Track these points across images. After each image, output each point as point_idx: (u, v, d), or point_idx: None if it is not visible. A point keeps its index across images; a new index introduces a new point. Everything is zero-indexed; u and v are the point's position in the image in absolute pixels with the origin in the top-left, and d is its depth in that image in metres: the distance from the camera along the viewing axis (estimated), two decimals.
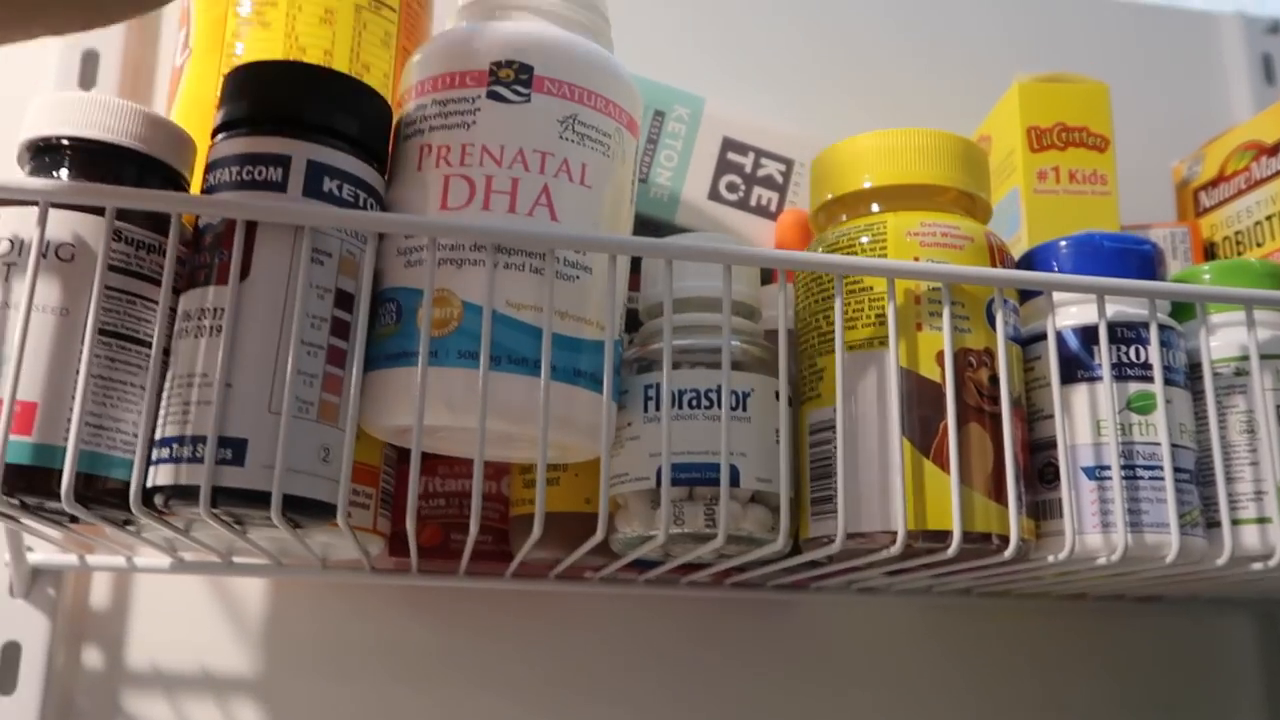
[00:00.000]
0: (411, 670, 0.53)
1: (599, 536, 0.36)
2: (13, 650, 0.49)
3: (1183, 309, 0.45)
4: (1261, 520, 0.42)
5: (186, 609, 0.52)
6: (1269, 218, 0.49)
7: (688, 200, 0.52)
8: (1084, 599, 0.57)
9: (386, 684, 0.53)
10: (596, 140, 0.37)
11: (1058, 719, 0.59)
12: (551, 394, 0.35)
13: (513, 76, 0.37)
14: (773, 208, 0.53)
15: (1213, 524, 0.41)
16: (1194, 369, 0.43)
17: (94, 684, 0.51)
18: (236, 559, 0.48)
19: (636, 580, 0.50)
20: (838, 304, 0.38)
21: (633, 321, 0.46)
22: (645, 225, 0.52)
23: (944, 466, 0.37)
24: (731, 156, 0.53)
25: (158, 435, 0.34)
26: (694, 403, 0.40)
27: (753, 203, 0.53)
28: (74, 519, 0.36)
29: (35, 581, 0.50)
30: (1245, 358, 0.43)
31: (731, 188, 0.53)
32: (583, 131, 0.37)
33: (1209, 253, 0.53)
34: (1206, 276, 0.46)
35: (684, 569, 0.48)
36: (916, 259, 0.39)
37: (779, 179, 0.53)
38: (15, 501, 0.33)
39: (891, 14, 0.71)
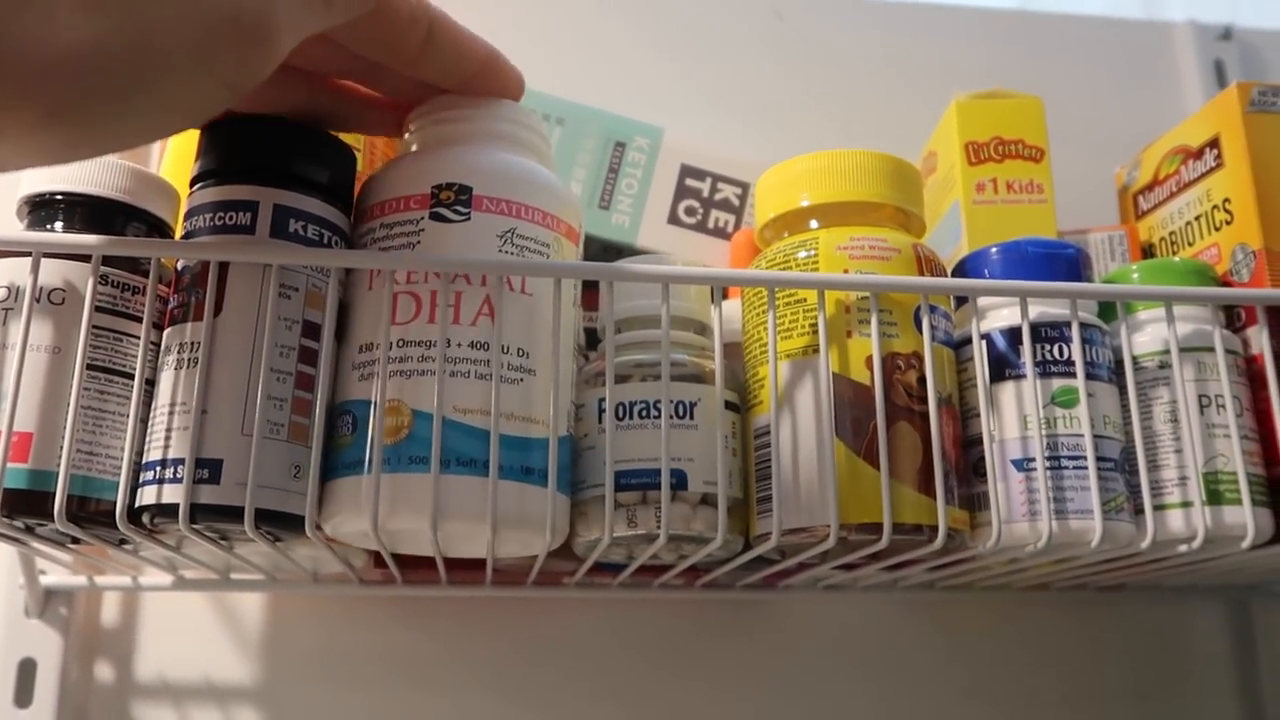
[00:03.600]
0: (406, 676, 0.57)
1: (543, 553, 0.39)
2: (29, 666, 0.53)
3: (1110, 307, 0.47)
4: (1185, 504, 0.44)
5: (191, 625, 0.56)
6: (1197, 218, 0.51)
7: (648, 224, 0.55)
8: (1047, 589, 0.59)
9: (382, 690, 0.56)
10: (535, 250, 0.40)
11: (1028, 709, 0.61)
12: (504, 492, 0.37)
13: (453, 198, 0.39)
14: (730, 229, 0.56)
15: (1140, 510, 0.43)
16: (1120, 364, 0.45)
17: (106, 697, 0.54)
18: (233, 575, 0.51)
19: (610, 584, 0.53)
20: (770, 316, 0.41)
21: (593, 339, 0.50)
22: (609, 250, 0.55)
23: (875, 463, 0.40)
24: (689, 182, 0.56)
25: (144, 460, 0.37)
26: (643, 413, 0.43)
27: (710, 225, 0.56)
28: (74, 540, 0.40)
29: (48, 602, 0.53)
30: (1168, 351, 0.45)
31: (690, 211, 0.56)
32: (521, 244, 0.39)
33: (1147, 254, 0.55)
34: (1135, 275, 0.48)
35: (653, 572, 0.51)
36: (847, 270, 0.42)
37: (735, 202, 0.56)
38: (18, 524, 0.37)
39: (848, 35, 0.74)
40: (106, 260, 0.39)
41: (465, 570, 0.51)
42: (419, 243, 0.39)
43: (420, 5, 0.37)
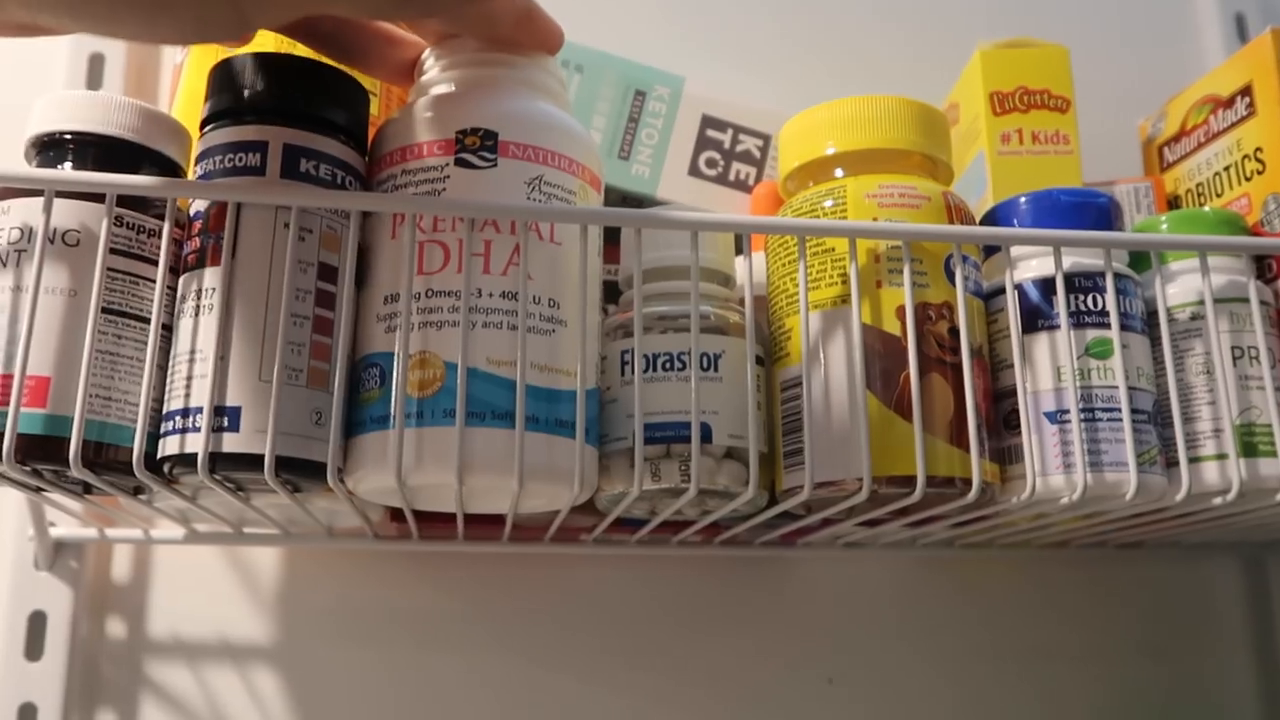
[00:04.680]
0: (420, 632, 0.56)
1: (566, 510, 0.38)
2: (39, 619, 0.52)
3: (1141, 259, 0.47)
4: (1220, 457, 0.43)
5: (203, 579, 0.55)
6: (1226, 169, 0.50)
7: (668, 176, 0.54)
8: (1067, 547, 0.59)
9: (396, 646, 0.56)
10: (562, 198, 0.39)
11: (1045, 666, 0.61)
12: (535, 445, 0.36)
13: (479, 143, 0.38)
14: (751, 181, 0.55)
15: (1173, 462, 0.43)
16: (1153, 315, 0.44)
17: (117, 651, 0.54)
18: (247, 529, 0.50)
19: (629, 540, 0.52)
20: (801, 266, 0.40)
21: (612, 292, 0.49)
22: (628, 201, 0.54)
23: (906, 415, 0.39)
24: (710, 133, 0.55)
25: (165, 409, 0.36)
26: (667, 365, 0.42)
27: (731, 177, 0.55)
28: (88, 488, 0.39)
29: (58, 554, 0.53)
30: (1201, 302, 0.45)
31: (711, 163, 0.55)
32: (549, 191, 0.38)
33: (1173, 206, 0.54)
34: (1164, 226, 0.47)
35: (673, 528, 0.50)
36: (875, 219, 0.41)
37: (756, 154, 0.55)
38: (34, 470, 0.36)
39: None
40: (121, 201, 0.38)
41: (482, 526, 0.50)
42: (444, 189, 0.38)
43: None
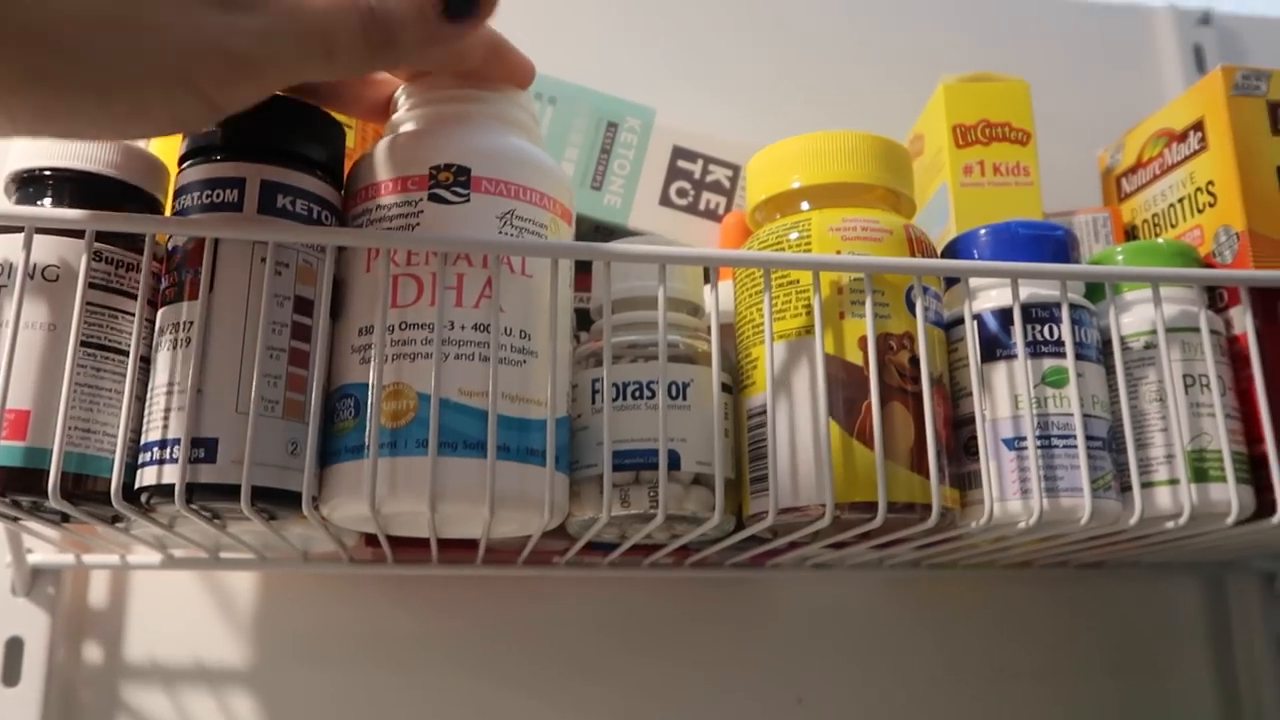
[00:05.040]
0: (396, 655, 0.57)
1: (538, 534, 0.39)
2: (15, 645, 0.53)
3: (1097, 289, 0.48)
4: (1172, 482, 0.45)
5: (180, 604, 0.55)
6: (1180, 201, 0.52)
7: (640, 206, 0.55)
8: (1030, 567, 0.60)
9: (372, 669, 0.56)
10: (533, 231, 0.39)
11: (1010, 684, 0.62)
12: (505, 473, 0.37)
13: (452, 179, 0.39)
14: (721, 211, 0.56)
15: (1127, 488, 0.44)
16: (1108, 344, 0.46)
17: (94, 676, 0.54)
18: (223, 554, 0.51)
19: (600, 563, 0.53)
20: (766, 297, 0.41)
21: (584, 320, 0.50)
22: (600, 230, 0.55)
23: (868, 443, 0.40)
24: (681, 164, 0.56)
25: (142, 441, 0.37)
26: (636, 394, 0.43)
27: (702, 207, 0.56)
28: (66, 517, 0.40)
29: (36, 581, 0.53)
30: (1154, 332, 0.46)
31: (681, 193, 0.56)
32: (521, 225, 0.39)
33: (1130, 236, 0.56)
34: (1120, 257, 0.49)
35: (644, 551, 0.51)
36: (839, 252, 0.42)
37: (726, 184, 0.56)
38: (12, 501, 0.37)
39: (836, 19, 0.75)
40: (100, 236, 0.39)
41: (457, 549, 0.51)
42: (418, 224, 0.39)
43: None
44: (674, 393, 0.43)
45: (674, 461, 0.42)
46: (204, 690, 0.55)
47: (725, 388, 0.44)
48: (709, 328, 0.46)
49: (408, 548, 0.51)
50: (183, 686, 0.55)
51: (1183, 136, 0.52)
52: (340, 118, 0.42)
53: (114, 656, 0.54)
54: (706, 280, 0.48)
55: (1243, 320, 0.47)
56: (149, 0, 0.29)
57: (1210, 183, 0.50)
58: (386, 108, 0.43)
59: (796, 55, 0.73)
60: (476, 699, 0.57)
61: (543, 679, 0.58)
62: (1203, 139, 0.50)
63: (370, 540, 0.50)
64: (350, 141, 0.48)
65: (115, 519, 0.41)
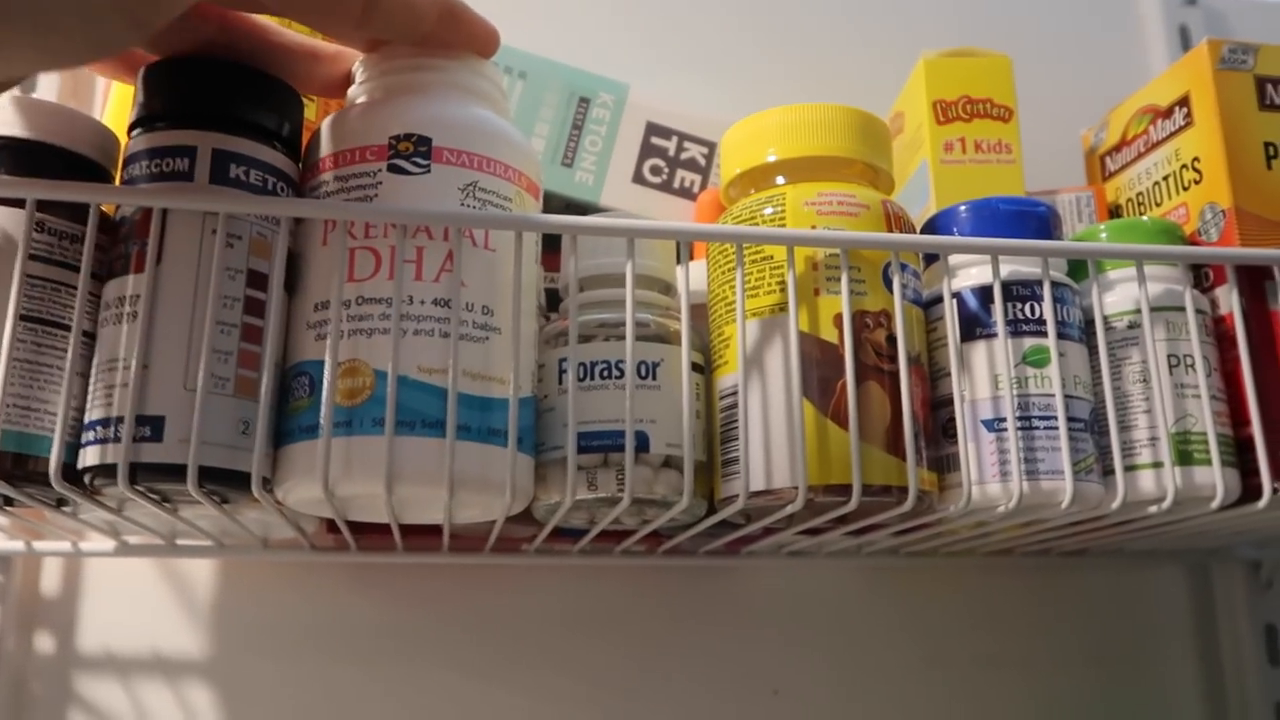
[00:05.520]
0: (359, 646, 0.55)
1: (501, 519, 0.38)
2: None
3: (1080, 267, 0.47)
4: (1155, 465, 0.43)
5: (135, 592, 0.54)
6: (1165, 178, 0.51)
7: (612, 183, 0.54)
8: (1011, 555, 0.59)
9: (332, 659, 0.55)
10: (497, 205, 0.38)
11: (990, 675, 0.61)
12: (467, 454, 0.36)
13: (412, 149, 0.38)
14: (695, 189, 0.54)
15: (1110, 471, 0.43)
16: (1091, 323, 0.44)
17: (46, 667, 0.53)
18: (179, 541, 0.49)
19: (570, 551, 0.52)
20: (739, 273, 0.40)
21: (555, 299, 0.48)
22: (571, 208, 0.54)
23: (843, 424, 0.39)
24: (655, 141, 0.55)
25: (86, 419, 0.35)
26: (605, 373, 0.41)
27: (676, 185, 0.54)
28: (8, 500, 0.38)
29: None
30: (1138, 311, 0.45)
31: (655, 171, 0.54)
32: (483, 197, 0.38)
33: (1114, 215, 0.54)
34: (1103, 235, 0.47)
35: (615, 538, 0.50)
36: (814, 227, 0.41)
37: (701, 161, 0.55)
38: None
39: None
40: (43, 207, 0.37)
41: (421, 536, 0.49)
42: (376, 195, 0.37)
43: None
44: (643, 372, 0.42)
45: (643, 443, 0.41)
46: (160, 681, 0.53)
47: (697, 368, 0.43)
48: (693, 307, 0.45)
49: (371, 534, 0.49)
50: (138, 678, 0.53)
51: (1168, 112, 0.51)
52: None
53: (67, 646, 0.53)
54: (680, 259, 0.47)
55: (1229, 299, 0.45)
56: None
57: (1196, 159, 0.49)
58: (345, 84, 0.41)
59: (776, 30, 0.72)
60: (442, 690, 0.56)
61: (511, 670, 0.57)
62: (1188, 115, 0.49)
63: (332, 527, 0.49)
64: (311, 114, 0.46)
65: (61, 502, 0.39)
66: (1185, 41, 0.75)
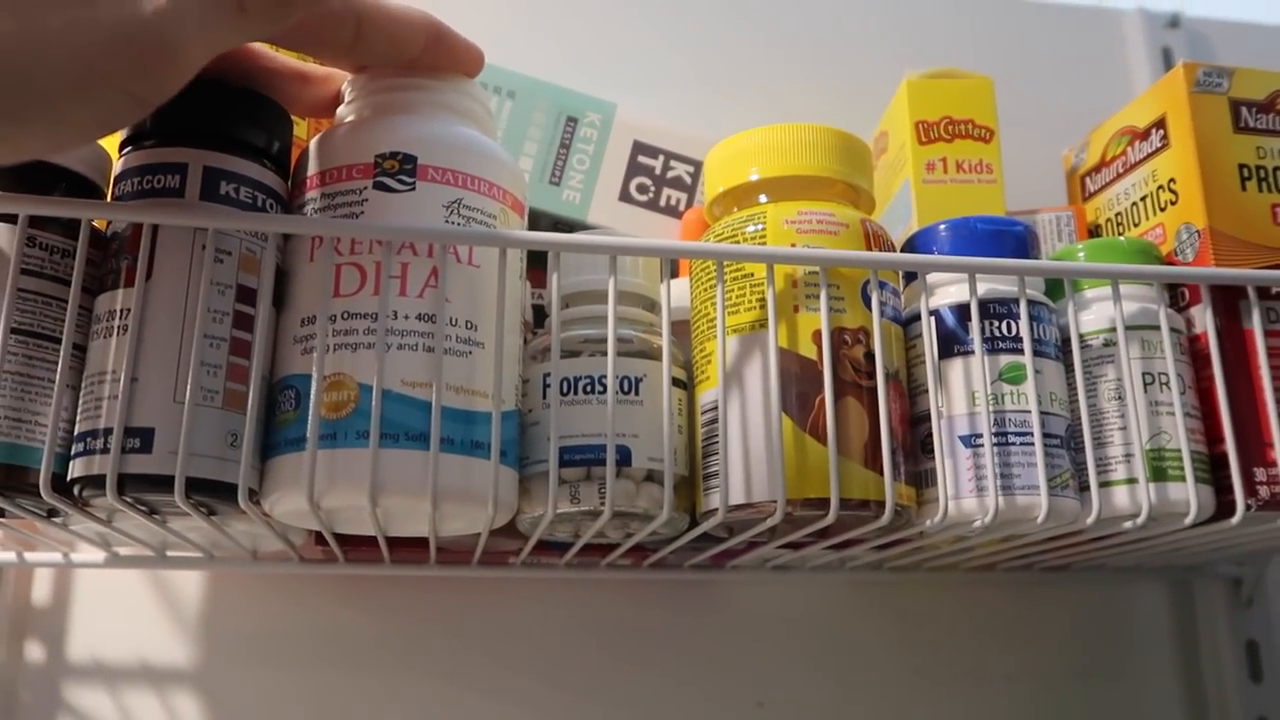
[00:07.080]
0: (347, 658, 0.56)
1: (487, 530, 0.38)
2: None
3: (1056, 286, 0.48)
4: (1130, 481, 0.44)
5: (126, 604, 0.54)
6: (1143, 199, 0.51)
7: (599, 201, 0.55)
8: (993, 570, 0.59)
9: (322, 671, 0.55)
10: (482, 221, 0.39)
11: (973, 689, 0.62)
12: (450, 466, 0.36)
13: (397, 167, 0.38)
14: (681, 207, 0.55)
15: (1085, 487, 0.43)
16: (1067, 341, 0.45)
17: (36, 677, 0.53)
18: (170, 553, 0.50)
19: (557, 564, 0.52)
20: (719, 290, 0.40)
21: (541, 316, 0.49)
22: (559, 226, 0.55)
23: (821, 439, 0.40)
24: (642, 159, 0.56)
25: (76, 431, 0.36)
26: (588, 388, 0.42)
27: (662, 203, 0.55)
28: (1, 511, 0.39)
29: None
30: (1113, 329, 0.45)
31: (642, 189, 0.55)
32: (468, 214, 0.39)
33: (1094, 234, 0.55)
34: (1080, 254, 0.48)
35: (600, 551, 0.50)
36: (794, 245, 0.42)
37: (687, 180, 0.56)
38: None
39: (803, 15, 0.74)
40: (35, 222, 0.38)
41: (409, 549, 0.50)
42: (362, 213, 0.38)
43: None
44: (626, 388, 0.42)
45: (625, 457, 0.41)
46: (149, 692, 0.54)
47: (680, 383, 0.43)
48: (676, 324, 0.45)
49: (360, 547, 0.50)
50: (127, 688, 0.53)
51: (1145, 134, 0.51)
52: None
53: (57, 656, 0.53)
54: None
55: (1203, 318, 0.46)
56: (40, 11, 0.28)
57: (1172, 180, 0.49)
58: (334, 104, 0.42)
59: (761, 52, 0.73)
60: (431, 701, 0.56)
61: (497, 683, 0.57)
62: (1164, 136, 0.50)
63: (320, 539, 0.49)
64: (302, 132, 0.47)
65: (52, 513, 0.40)
66: (1168, 63, 0.76)
